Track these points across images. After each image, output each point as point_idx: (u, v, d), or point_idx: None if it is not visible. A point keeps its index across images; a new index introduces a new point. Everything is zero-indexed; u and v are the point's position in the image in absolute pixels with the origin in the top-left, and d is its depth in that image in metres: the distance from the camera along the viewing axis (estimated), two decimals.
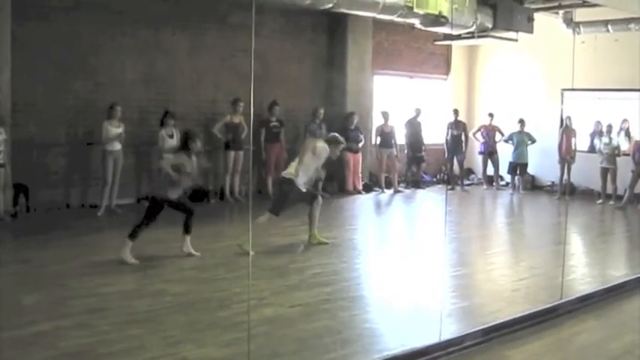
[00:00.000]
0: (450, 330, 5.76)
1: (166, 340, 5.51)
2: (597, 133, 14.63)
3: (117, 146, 11.22)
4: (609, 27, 13.65)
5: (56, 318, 5.88)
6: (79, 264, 7.87)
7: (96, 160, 11.56)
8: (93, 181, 11.69)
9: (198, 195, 12.64)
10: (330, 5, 10.97)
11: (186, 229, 8.37)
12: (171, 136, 11.62)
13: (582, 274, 8.32)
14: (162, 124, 11.70)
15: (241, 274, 7.33)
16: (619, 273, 8.39)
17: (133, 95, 12.10)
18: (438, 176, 17.29)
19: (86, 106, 11.61)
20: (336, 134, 9.55)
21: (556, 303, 6.59)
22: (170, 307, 6.42)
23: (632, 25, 13.19)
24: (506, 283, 7.92)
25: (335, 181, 14.49)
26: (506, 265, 9.21)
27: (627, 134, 14.05)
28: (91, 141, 11.60)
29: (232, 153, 12.84)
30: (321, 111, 14.00)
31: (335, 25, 14.81)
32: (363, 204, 13.83)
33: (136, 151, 11.97)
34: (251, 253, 7.20)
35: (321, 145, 9.03)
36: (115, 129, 11.15)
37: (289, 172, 8.97)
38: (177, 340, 5.52)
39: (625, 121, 14.16)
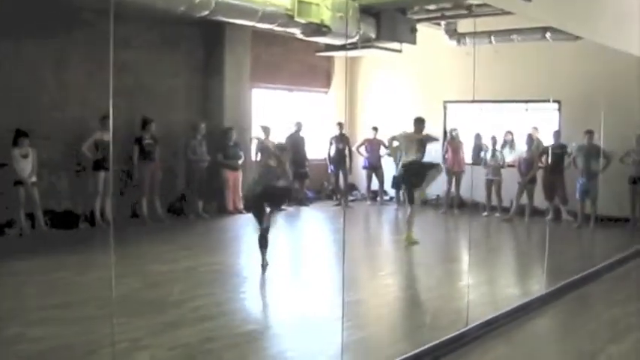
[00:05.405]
0: None
1: None
2: (478, 146, 14.50)
3: None
4: (492, 38, 13.48)
5: None
6: None
7: None
8: None
9: (68, 220, 11.61)
10: (207, 12, 10.21)
11: None
12: (26, 156, 10.79)
13: (481, 294, 7.79)
14: (15, 143, 10.72)
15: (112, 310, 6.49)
16: (517, 291, 8.14)
17: None
18: (321, 192, 16.77)
19: None
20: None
21: (462, 330, 6.08)
22: (26, 356, 5.50)
23: (514, 36, 13.09)
24: (404, 308, 7.43)
25: (214, 201, 13.70)
26: (401, 287, 8.72)
27: (511, 146, 13.92)
28: None
29: (102, 173, 11.73)
30: (203, 126, 13.18)
31: (212, 36, 14.01)
32: (244, 225, 12.95)
33: None
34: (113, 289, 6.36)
35: None
36: None
37: None
38: None
39: (509, 133, 14.04)
